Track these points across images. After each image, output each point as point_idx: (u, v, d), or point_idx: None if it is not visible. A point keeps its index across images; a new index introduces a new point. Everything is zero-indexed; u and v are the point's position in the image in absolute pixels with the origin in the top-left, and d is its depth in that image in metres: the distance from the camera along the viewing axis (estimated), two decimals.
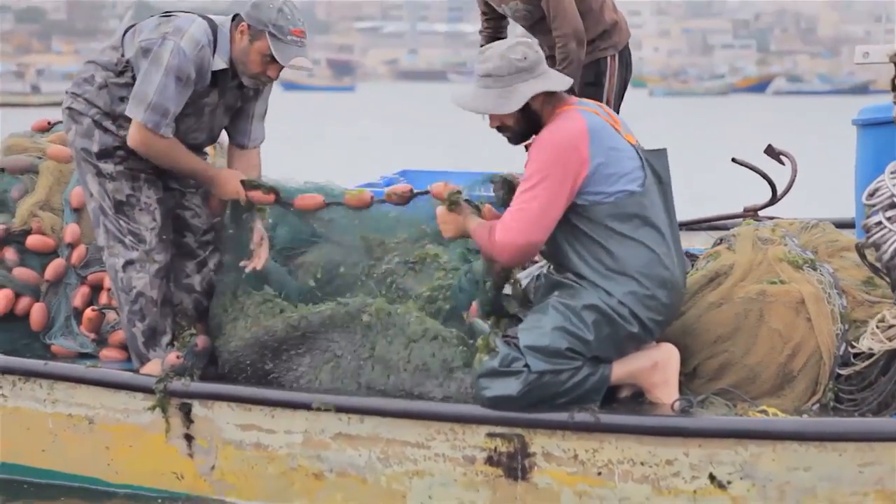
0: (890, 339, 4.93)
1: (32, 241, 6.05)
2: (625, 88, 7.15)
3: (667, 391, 5.16)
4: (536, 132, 5.15)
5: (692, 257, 6.57)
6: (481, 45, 7.18)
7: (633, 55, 7.16)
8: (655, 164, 5.19)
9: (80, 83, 5.63)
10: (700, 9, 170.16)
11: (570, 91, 6.74)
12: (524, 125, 5.15)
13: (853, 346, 5.14)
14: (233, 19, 5.59)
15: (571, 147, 5.00)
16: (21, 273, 6.00)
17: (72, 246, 6.05)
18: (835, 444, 4.80)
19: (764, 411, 4.98)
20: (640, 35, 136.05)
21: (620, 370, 5.13)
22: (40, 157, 6.28)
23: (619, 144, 5.11)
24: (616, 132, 5.15)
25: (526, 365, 5.01)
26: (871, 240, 4.98)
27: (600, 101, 6.95)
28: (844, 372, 5.09)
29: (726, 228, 7.49)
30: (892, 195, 4.92)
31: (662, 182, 5.20)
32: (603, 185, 5.03)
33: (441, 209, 5.28)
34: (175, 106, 5.46)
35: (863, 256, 5.11)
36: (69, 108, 5.63)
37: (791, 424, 4.88)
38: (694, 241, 7.48)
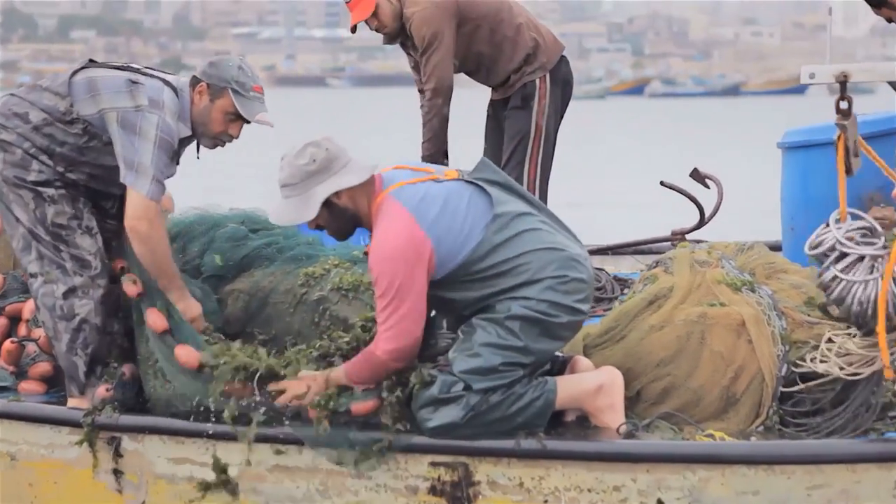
0: (850, 365, 4.92)
1: None
2: (566, 103, 7.14)
3: (612, 415, 5.09)
4: (356, 225, 5.07)
5: (621, 282, 6.57)
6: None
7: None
8: (484, 175, 5.12)
9: (9, 116, 5.40)
10: (574, 12, 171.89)
11: (430, 142, 6.82)
12: (340, 222, 5.06)
13: (797, 366, 5.12)
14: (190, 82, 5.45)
15: (406, 244, 4.90)
16: None
17: None
18: (783, 467, 4.77)
19: (711, 435, 4.94)
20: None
21: (565, 394, 5.06)
22: None
23: (444, 194, 5.01)
24: (435, 182, 5.06)
25: (465, 388, 4.91)
26: (832, 297, 4.91)
27: (529, 122, 6.96)
28: (791, 390, 5.07)
29: (652, 252, 7.53)
30: (838, 245, 4.89)
31: (503, 184, 5.12)
32: (459, 247, 4.96)
33: (287, 394, 5.08)
34: (165, 178, 5.36)
35: (829, 315, 5.05)
36: None
37: (739, 448, 4.85)
38: (621, 266, 7.48)
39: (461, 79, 7.12)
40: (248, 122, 5.44)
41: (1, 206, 5.48)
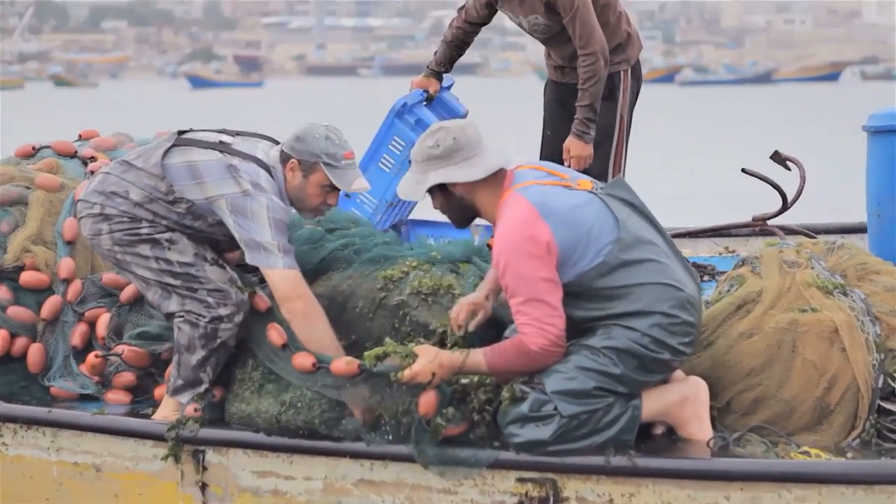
0: None
1: (26, 277, 5.81)
2: (635, 102, 7.02)
3: (699, 426, 5.03)
4: (473, 215, 5.04)
5: (700, 268, 6.47)
6: (445, 42, 7.05)
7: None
8: (617, 193, 5.05)
9: (108, 195, 5.34)
10: None
11: (591, 108, 6.65)
12: (455, 211, 5.04)
13: (893, 379, 5.02)
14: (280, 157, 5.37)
15: (529, 236, 4.83)
16: (16, 312, 5.76)
17: (67, 281, 5.81)
18: (883, 487, 4.66)
19: (807, 452, 4.84)
20: None
21: (650, 407, 4.99)
22: (28, 187, 6.03)
23: (573, 201, 4.95)
24: (566, 188, 5.00)
25: (556, 409, 4.85)
26: None
27: (614, 115, 6.85)
28: (890, 406, 4.96)
29: (731, 236, 7.43)
30: None
31: (635, 206, 5.06)
32: (579, 256, 4.88)
33: (412, 369, 4.91)
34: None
35: None
36: (101, 214, 5.34)
37: (837, 466, 4.74)
38: (699, 249, 7.39)
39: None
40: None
41: (125, 275, 5.43)
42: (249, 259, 5.23)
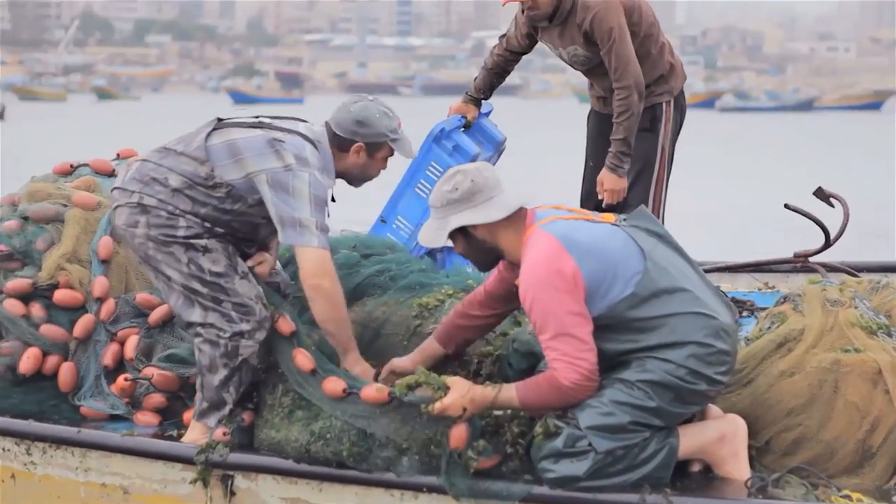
0: None
1: (60, 295, 5.76)
2: (678, 133, 6.96)
3: (736, 465, 4.93)
4: (496, 257, 4.99)
5: (738, 303, 6.37)
6: (485, 68, 7.02)
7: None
8: (641, 224, 4.98)
9: (147, 182, 5.27)
10: None
11: (625, 142, 6.60)
12: (477, 253, 5.00)
13: None
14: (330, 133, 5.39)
15: (555, 270, 4.76)
16: (49, 331, 5.71)
17: (101, 300, 5.77)
18: None
19: (848, 496, 4.73)
20: None
21: (687, 444, 4.89)
22: (65, 205, 6.00)
23: (597, 233, 4.89)
24: (588, 221, 4.95)
25: (590, 444, 4.77)
26: None
27: (655, 146, 6.80)
28: None
29: (771, 272, 7.33)
30: None
31: (661, 235, 4.98)
32: (608, 288, 4.80)
33: (442, 402, 4.84)
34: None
35: None
36: (139, 204, 5.26)
37: None
38: (738, 284, 7.29)
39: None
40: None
41: (150, 269, 5.32)
42: (283, 237, 5.18)
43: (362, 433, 4.98)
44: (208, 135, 5.30)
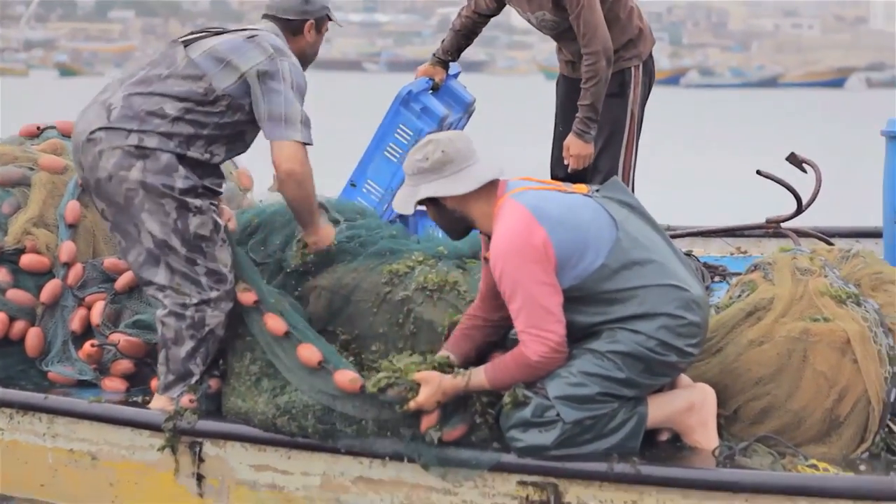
0: None
1: (27, 260, 5.71)
2: (647, 98, 6.95)
3: (705, 434, 4.95)
4: (467, 227, 4.98)
5: (710, 268, 6.39)
6: (453, 30, 6.98)
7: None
8: (614, 195, 4.98)
9: (143, 118, 5.16)
10: None
11: (592, 107, 6.58)
12: (447, 222, 4.99)
13: None
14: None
15: (525, 239, 4.75)
16: (15, 295, 5.66)
17: (68, 265, 5.72)
18: None
19: (815, 465, 4.74)
20: None
21: (656, 413, 4.91)
22: (32, 168, 5.94)
23: (568, 203, 4.89)
24: (559, 191, 4.95)
25: (558, 415, 4.77)
26: None
27: (625, 111, 6.78)
28: None
29: (743, 236, 7.34)
30: None
31: (632, 206, 4.98)
32: (578, 259, 4.79)
33: (416, 401, 4.85)
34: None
35: None
36: (137, 146, 5.15)
37: (846, 481, 4.64)
38: (710, 249, 7.30)
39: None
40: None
41: (123, 219, 5.20)
42: (268, 133, 5.19)
43: (327, 409, 4.98)
44: (188, 43, 5.28)
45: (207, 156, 5.24)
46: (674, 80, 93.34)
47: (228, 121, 5.23)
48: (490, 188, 4.92)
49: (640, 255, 4.84)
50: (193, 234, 5.18)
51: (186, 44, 5.30)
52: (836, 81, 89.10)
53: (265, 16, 5.46)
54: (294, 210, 5.29)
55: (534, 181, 5.00)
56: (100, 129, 5.19)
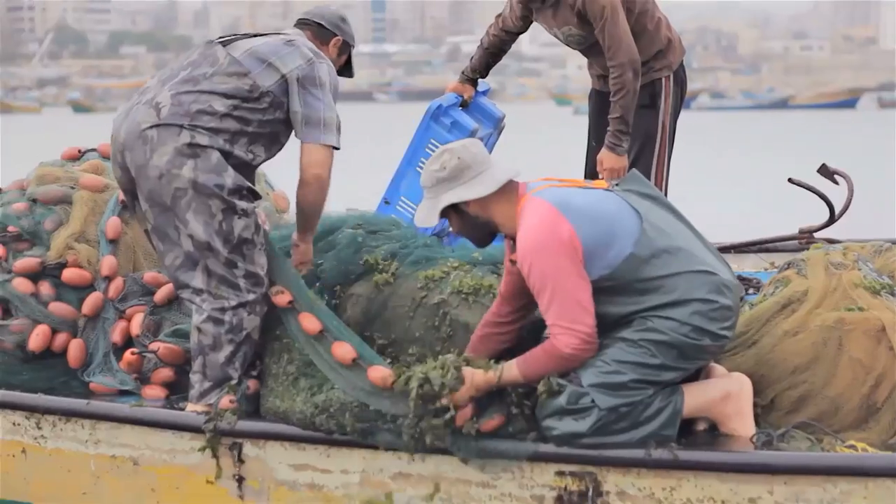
0: None
1: (68, 274, 5.81)
2: (679, 108, 6.99)
3: (741, 423, 4.97)
4: (491, 232, 5.02)
5: (745, 281, 6.42)
6: (481, 48, 7.05)
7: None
8: (634, 188, 5.03)
9: (193, 115, 5.22)
10: None
11: (623, 120, 6.63)
12: (472, 230, 5.02)
13: None
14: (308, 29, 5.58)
15: (551, 234, 4.80)
16: (58, 308, 5.75)
17: (109, 279, 5.82)
18: None
19: (853, 446, 4.77)
20: (563, 53, 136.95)
21: (692, 403, 4.93)
22: (73, 187, 6.05)
23: (591, 197, 4.93)
24: (581, 188, 4.99)
25: (593, 401, 4.81)
26: None
27: (656, 123, 6.82)
28: None
29: (778, 251, 7.36)
30: None
31: (654, 197, 5.03)
32: (605, 249, 4.84)
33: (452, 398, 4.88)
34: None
35: None
36: (189, 144, 5.20)
37: (885, 460, 4.66)
38: (744, 265, 7.31)
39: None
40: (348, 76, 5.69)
41: (165, 220, 5.25)
42: (304, 135, 5.29)
43: (364, 406, 5.02)
44: (227, 51, 5.36)
45: (250, 156, 5.31)
46: (685, 103, 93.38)
47: (270, 118, 5.31)
48: (510, 190, 4.97)
49: (666, 243, 4.88)
50: (238, 236, 5.23)
51: (224, 44, 5.39)
52: (848, 102, 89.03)
53: (299, 22, 5.57)
54: (304, 213, 5.38)
55: (554, 180, 5.04)
56: (152, 126, 5.25)
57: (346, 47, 5.60)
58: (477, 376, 4.88)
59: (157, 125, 5.24)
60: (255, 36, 5.45)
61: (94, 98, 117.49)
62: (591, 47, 6.83)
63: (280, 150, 5.49)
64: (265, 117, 5.31)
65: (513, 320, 5.17)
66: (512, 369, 4.87)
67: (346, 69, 5.67)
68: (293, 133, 5.41)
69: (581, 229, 4.81)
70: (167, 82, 5.35)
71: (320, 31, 5.55)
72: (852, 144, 37.71)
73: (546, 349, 4.84)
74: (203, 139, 5.21)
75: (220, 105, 5.25)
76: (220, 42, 5.42)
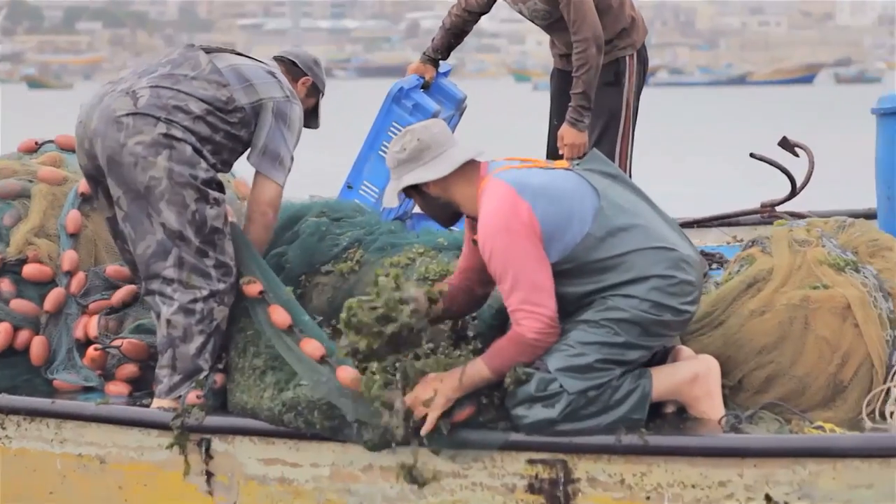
0: None
1: (29, 270, 5.73)
2: (642, 87, 6.99)
3: (710, 404, 4.97)
4: (454, 213, 5.02)
5: (708, 256, 6.43)
6: (443, 28, 7.02)
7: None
8: (594, 167, 5.02)
9: (170, 110, 5.23)
10: None
11: (585, 96, 6.62)
12: (434, 210, 5.04)
13: None
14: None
15: (509, 214, 4.79)
16: (19, 305, 5.68)
17: (70, 274, 5.74)
18: None
19: (821, 427, 4.79)
20: (523, 29, 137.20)
21: (660, 386, 4.93)
22: (31, 181, 5.97)
23: (550, 176, 4.93)
24: (542, 168, 4.99)
25: (561, 386, 4.80)
26: None
27: (620, 101, 6.82)
28: None
29: (740, 225, 7.38)
30: None
31: (615, 175, 5.02)
32: (564, 230, 4.83)
33: (414, 394, 4.86)
34: None
35: None
36: (165, 135, 5.20)
37: (853, 440, 4.68)
38: (706, 239, 7.33)
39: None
40: (313, 127, 5.72)
41: (138, 208, 5.23)
42: (258, 164, 5.37)
43: (331, 405, 4.99)
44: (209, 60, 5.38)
45: (211, 162, 5.33)
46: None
47: (235, 133, 5.35)
48: (472, 170, 4.96)
49: (624, 220, 4.88)
50: (210, 226, 5.23)
51: (207, 52, 5.41)
52: (806, 78, 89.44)
53: (275, 58, 5.63)
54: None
55: (515, 160, 5.03)
56: (128, 114, 5.24)
57: (314, 90, 5.65)
58: (444, 384, 4.83)
59: (134, 113, 5.24)
60: (239, 54, 5.51)
61: (50, 74, 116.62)
62: (554, 23, 6.82)
63: (226, 172, 5.55)
64: (231, 131, 5.33)
65: (470, 293, 5.17)
66: (476, 365, 4.85)
67: (312, 118, 5.69)
68: (244, 156, 5.46)
69: (539, 209, 4.80)
70: (144, 75, 5.36)
71: (293, 68, 5.60)
72: (810, 121, 37.93)
73: (511, 338, 4.83)
74: (177, 132, 5.23)
75: (196, 107, 5.26)
76: (203, 48, 5.44)
